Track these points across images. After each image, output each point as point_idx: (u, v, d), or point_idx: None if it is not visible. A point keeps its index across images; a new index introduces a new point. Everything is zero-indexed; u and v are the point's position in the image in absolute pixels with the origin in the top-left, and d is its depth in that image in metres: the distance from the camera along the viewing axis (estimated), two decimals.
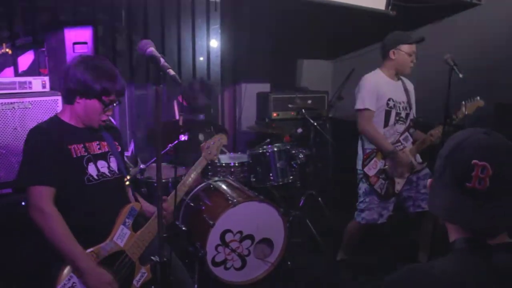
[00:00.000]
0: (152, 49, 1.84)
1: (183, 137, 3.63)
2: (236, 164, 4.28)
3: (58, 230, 2.10)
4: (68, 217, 2.19)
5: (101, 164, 2.43)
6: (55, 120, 2.40)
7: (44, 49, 4.06)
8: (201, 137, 4.02)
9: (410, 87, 3.81)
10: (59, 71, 3.77)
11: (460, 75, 3.19)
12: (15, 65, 4.11)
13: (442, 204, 1.26)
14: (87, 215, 2.28)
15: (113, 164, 2.50)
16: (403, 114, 3.67)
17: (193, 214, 3.65)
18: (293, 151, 4.32)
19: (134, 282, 2.36)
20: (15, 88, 3.35)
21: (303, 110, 4.84)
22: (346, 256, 4.01)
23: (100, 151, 2.46)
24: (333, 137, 5.40)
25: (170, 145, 3.70)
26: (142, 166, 3.67)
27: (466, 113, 3.59)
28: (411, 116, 3.73)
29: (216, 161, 3.42)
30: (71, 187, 2.29)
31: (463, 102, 3.60)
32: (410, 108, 3.72)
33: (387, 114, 3.61)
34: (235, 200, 3.44)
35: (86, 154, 2.36)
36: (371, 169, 3.60)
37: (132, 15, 4.82)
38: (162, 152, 3.62)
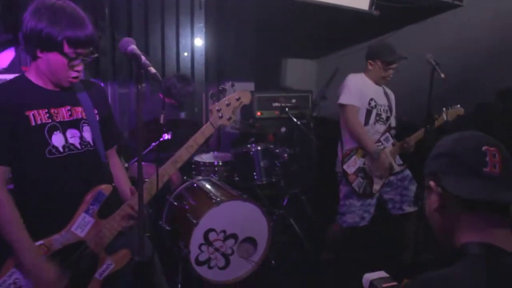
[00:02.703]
0: (133, 47, 1.79)
1: (166, 136, 3.57)
2: (220, 163, 4.27)
3: (4, 217, 1.87)
4: (26, 196, 1.98)
5: (72, 133, 2.06)
6: (19, 80, 2.03)
7: None
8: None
9: (391, 94, 3.88)
10: None
11: (442, 75, 3.21)
12: None
13: (460, 194, 1.25)
14: (48, 195, 2.00)
15: (87, 134, 2.11)
16: (383, 116, 3.71)
17: (176, 213, 3.63)
18: (277, 150, 4.34)
19: (97, 275, 2.09)
20: None
21: (286, 109, 4.85)
22: (329, 255, 4.02)
23: (71, 118, 2.07)
24: (317, 136, 5.42)
25: (153, 144, 3.68)
26: (125, 165, 3.64)
27: (446, 119, 3.67)
28: (391, 121, 3.76)
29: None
30: (29, 160, 1.97)
31: (444, 109, 3.69)
32: (391, 112, 3.77)
33: (368, 113, 3.64)
34: (218, 199, 3.42)
35: (49, 121, 1.99)
36: (350, 167, 3.62)
37: (115, 13, 4.78)
38: (145, 152, 3.60)
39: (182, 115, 4.52)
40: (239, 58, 5.74)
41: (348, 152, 3.65)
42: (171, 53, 5.30)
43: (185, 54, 5.41)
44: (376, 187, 3.65)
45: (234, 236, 3.51)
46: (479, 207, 1.25)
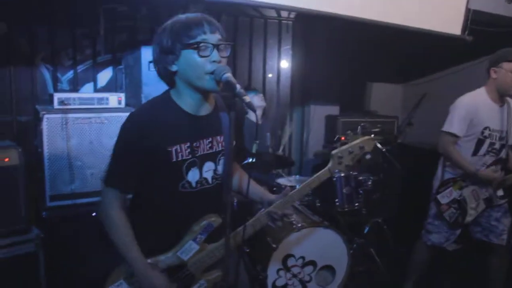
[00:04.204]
0: (228, 74, 1.78)
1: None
2: None
3: (118, 236, 1.95)
4: (146, 216, 2.05)
5: (208, 167, 2.04)
6: (163, 103, 1.96)
7: (121, 66, 4.26)
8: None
9: None
10: (133, 87, 3.94)
11: None
12: (95, 81, 4.33)
13: None
14: (168, 222, 2.03)
15: (221, 167, 2.08)
16: (497, 145, 3.41)
17: (256, 236, 3.63)
18: (361, 177, 4.24)
19: None
20: (93, 104, 3.53)
21: (372, 135, 4.73)
22: (410, 284, 3.85)
23: (210, 151, 2.03)
24: (401, 164, 5.25)
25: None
26: None
27: None
28: (506, 148, 3.47)
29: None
30: (161, 190, 2.00)
31: None
32: (508, 140, 3.44)
33: (480, 143, 3.38)
34: (299, 225, 3.40)
35: (189, 157, 1.96)
36: (445, 198, 3.44)
37: None
38: None
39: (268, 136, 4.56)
40: (324, 81, 5.72)
41: (445, 181, 3.48)
42: (258, 75, 5.39)
43: (270, 75, 5.48)
44: (469, 218, 3.44)
45: (312, 263, 3.46)
46: None
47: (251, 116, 4.25)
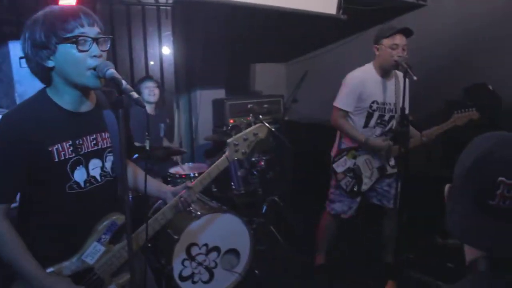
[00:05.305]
0: (113, 70, 1.68)
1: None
2: (196, 175, 4.19)
3: (8, 251, 1.78)
4: (38, 223, 1.89)
5: (94, 164, 1.94)
6: (40, 102, 1.82)
7: None
8: None
9: (402, 82, 3.55)
10: (4, 86, 3.62)
11: (414, 78, 3.18)
12: None
13: (459, 221, 1.12)
14: (62, 226, 1.91)
15: (109, 164, 2.00)
16: (386, 117, 3.59)
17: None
18: (253, 159, 4.31)
19: None
20: None
21: (260, 116, 4.81)
22: (323, 259, 3.97)
23: (95, 148, 1.94)
24: (291, 140, 5.43)
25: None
26: None
27: (455, 124, 3.55)
28: (395, 118, 3.63)
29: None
30: (47, 193, 1.87)
31: (455, 112, 3.56)
32: (396, 111, 3.60)
33: (369, 116, 3.55)
34: (198, 213, 3.38)
35: (73, 155, 1.85)
36: (340, 166, 3.62)
37: None
38: None
39: (162, 126, 4.47)
40: (208, 65, 5.70)
41: (340, 151, 3.65)
42: (139, 63, 5.23)
43: (152, 63, 5.35)
44: (365, 187, 3.64)
45: (216, 249, 3.47)
46: None
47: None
